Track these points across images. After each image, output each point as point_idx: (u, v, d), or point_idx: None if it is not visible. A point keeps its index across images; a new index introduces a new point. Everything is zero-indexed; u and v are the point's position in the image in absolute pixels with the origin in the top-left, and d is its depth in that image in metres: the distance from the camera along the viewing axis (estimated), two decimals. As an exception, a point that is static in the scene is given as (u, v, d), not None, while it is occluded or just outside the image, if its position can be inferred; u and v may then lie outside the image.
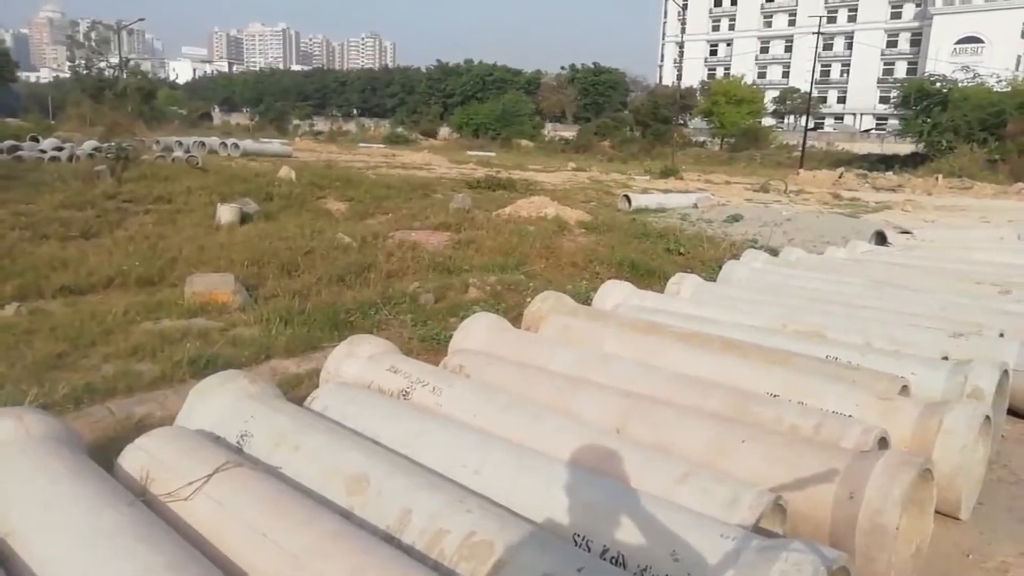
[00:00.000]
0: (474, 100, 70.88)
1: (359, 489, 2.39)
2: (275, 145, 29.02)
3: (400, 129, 57.78)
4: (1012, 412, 4.22)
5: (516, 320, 4.97)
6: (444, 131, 61.46)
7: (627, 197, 15.51)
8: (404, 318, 5.52)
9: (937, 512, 2.93)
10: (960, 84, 37.73)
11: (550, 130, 63.05)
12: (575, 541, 2.28)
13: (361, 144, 44.38)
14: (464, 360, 3.77)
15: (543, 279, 7.15)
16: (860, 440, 2.93)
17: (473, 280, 6.62)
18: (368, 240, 8.15)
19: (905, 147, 41.93)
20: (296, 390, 3.87)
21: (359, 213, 11.07)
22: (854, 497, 2.53)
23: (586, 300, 5.80)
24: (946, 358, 4.13)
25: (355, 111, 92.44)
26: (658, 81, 78.46)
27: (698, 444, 2.94)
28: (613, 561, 2.19)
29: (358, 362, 3.55)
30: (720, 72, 75.53)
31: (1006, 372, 3.93)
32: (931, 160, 34.38)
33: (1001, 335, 4.68)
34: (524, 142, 50.93)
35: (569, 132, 59.27)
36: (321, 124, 66.89)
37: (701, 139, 56.45)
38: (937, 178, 28.82)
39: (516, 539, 2.10)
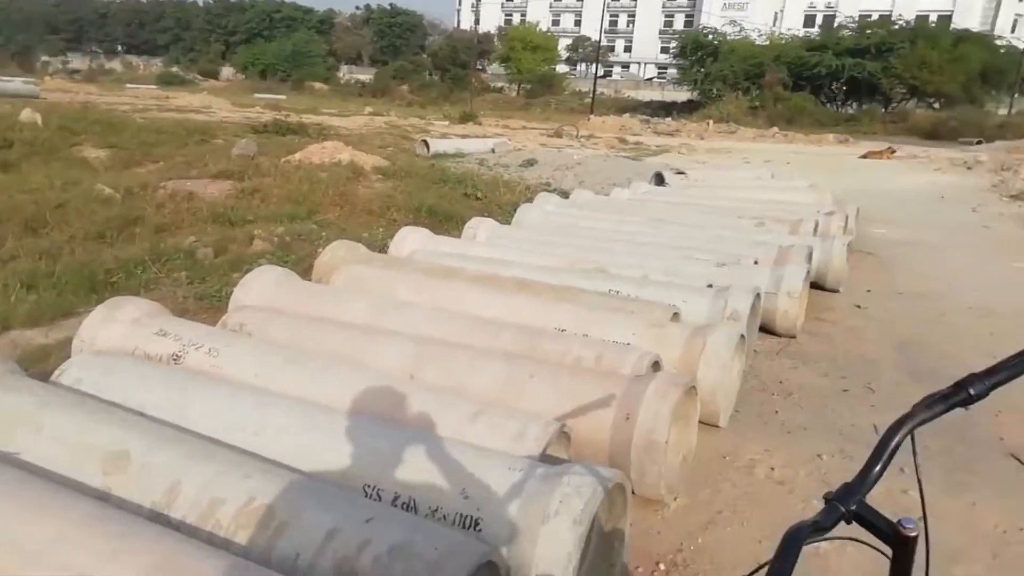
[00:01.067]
0: (260, 39, 65.82)
1: (118, 467, 2.14)
2: (16, 84, 25.04)
3: (175, 69, 52.34)
4: (763, 329, 4.77)
5: (307, 273, 4.74)
6: (227, 72, 56.65)
7: (425, 142, 15.35)
8: (178, 276, 5.04)
9: (700, 423, 3.25)
10: (729, 38, 41.46)
11: (345, 73, 60.48)
12: (365, 492, 2.22)
13: (128, 85, 39.59)
14: (245, 317, 3.51)
15: (337, 228, 6.87)
16: (636, 366, 3.14)
17: (258, 232, 6.19)
18: (134, 192, 7.27)
19: (683, 94, 45.55)
20: (43, 364, 3.39)
21: (123, 162, 9.82)
22: (629, 418, 2.71)
23: (383, 248, 5.67)
24: (711, 286, 4.55)
25: (120, 48, 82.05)
26: (456, 25, 77.84)
27: (490, 383, 2.99)
28: (404, 507, 2.17)
29: (119, 327, 3.17)
30: (516, 19, 76.43)
31: (758, 295, 4.42)
32: (704, 107, 37.66)
33: (756, 263, 5.26)
34: (317, 85, 48.48)
35: (366, 75, 57.20)
36: (78, 62, 58.72)
37: (499, 85, 57.14)
38: (708, 123, 31.67)
39: (299, 499, 2.00)
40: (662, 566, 2.49)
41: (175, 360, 3.01)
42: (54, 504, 1.88)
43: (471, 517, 2.08)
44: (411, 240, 5.31)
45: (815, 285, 5.83)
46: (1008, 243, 8.75)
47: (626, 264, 4.98)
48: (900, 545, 1.02)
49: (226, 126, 16.31)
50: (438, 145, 15.39)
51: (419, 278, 4.31)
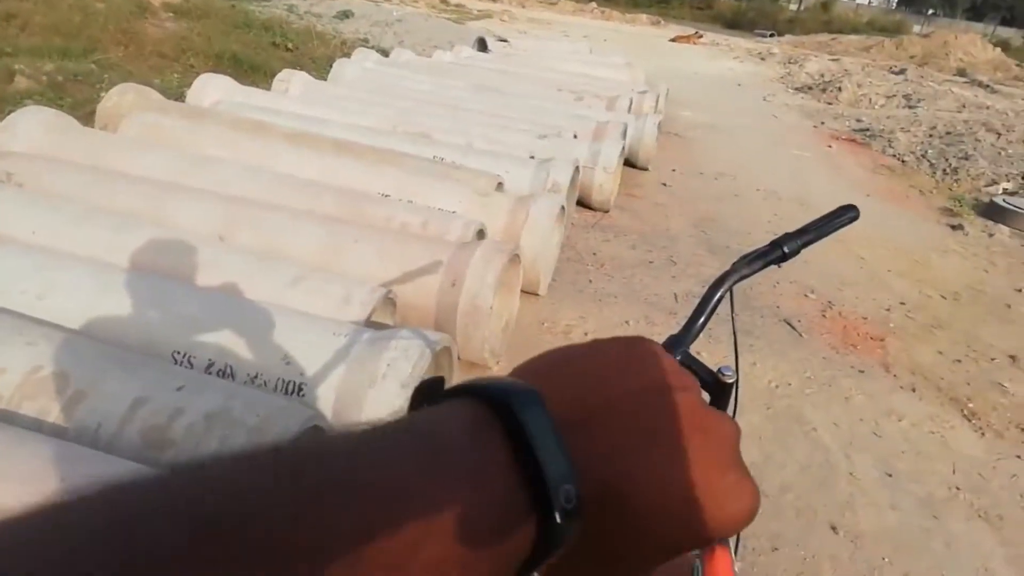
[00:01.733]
0: None
1: None
2: None
3: None
4: (579, 203, 4.95)
5: (88, 120, 4.11)
6: None
7: (225, -20, 13.57)
8: (-85, 114, 4.16)
9: (522, 291, 3.36)
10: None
11: None
12: (174, 359, 2.06)
13: None
14: (14, 166, 3.00)
15: (122, 70, 5.99)
16: (462, 233, 3.13)
17: (20, 67, 5.22)
18: None
19: (505, -42, 43.95)
20: None
21: None
22: (455, 284, 2.72)
23: (178, 97, 5.04)
24: (533, 157, 4.59)
25: None
26: None
27: (311, 247, 2.84)
28: (220, 374, 2.04)
29: None
30: None
31: (577, 168, 4.54)
32: (526, -26, 36.72)
33: (575, 136, 5.36)
34: None
35: None
36: None
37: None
38: (530, -8, 31.02)
39: (97, 367, 1.81)
40: (482, 423, 2.61)
41: (-79, 213, 2.52)
42: None
43: (294, 383, 2.02)
44: (213, 89, 4.77)
45: (627, 163, 6.11)
46: (791, 132, 9.69)
47: (449, 130, 4.86)
48: (719, 391, 1.11)
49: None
50: (240, -16, 13.70)
51: (225, 131, 3.91)
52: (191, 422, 1.74)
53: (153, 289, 2.21)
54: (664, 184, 6.10)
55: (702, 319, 1.11)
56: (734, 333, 1.19)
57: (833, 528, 2.32)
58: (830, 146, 9.03)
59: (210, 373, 2.04)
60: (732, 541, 1.16)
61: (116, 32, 6.93)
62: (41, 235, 2.49)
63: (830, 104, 12.59)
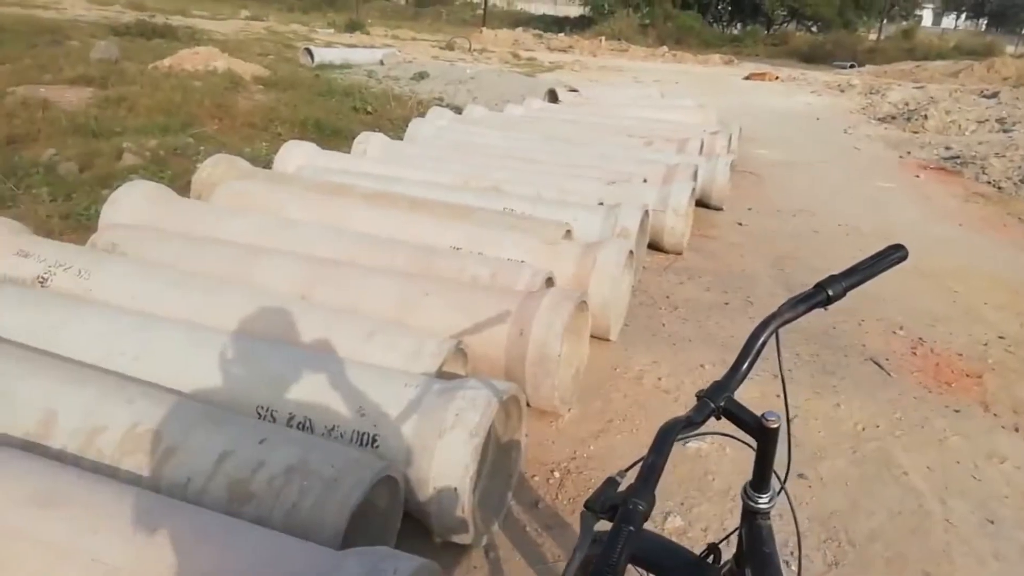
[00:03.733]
0: (117, -73, 58.82)
1: (-19, 398, 1.99)
2: None
3: (17, -42, 46.15)
4: (651, 246, 4.94)
5: (185, 190, 4.45)
6: (80, -36, 50.58)
7: (309, 51, 14.46)
8: (38, 192, 4.61)
9: (592, 336, 3.38)
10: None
11: (218, -28, 55.42)
12: (259, 414, 2.18)
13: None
14: (118, 236, 3.27)
15: (216, 142, 6.45)
16: (530, 282, 3.19)
17: (128, 144, 5.71)
18: (-23, 98, 6.53)
19: (575, 9, 44.87)
20: None
21: (-38, 64, 8.76)
22: (523, 333, 2.77)
23: (267, 164, 5.39)
24: (602, 203, 4.63)
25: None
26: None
27: (385, 302, 2.95)
28: (300, 427, 2.15)
29: (-29, 248, 2.88)
30: (402, -81, 71.88)
31: (647, 212, 4.55)
32: (595, 23, 37.36)
33: (644, 181, 5.39)
34: (187, -16, 44.20)
35: (241, -25, 52.69)
36: None
37: (387, -8, 54.19)
38: (601, 40, 31.52)
39: (187, 423, 1.94)
40: (556, 473, 2.61)
41: (41, 283, 2.78)
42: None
43: (368, 434, 2.10)
44: (297, 155, 5.06)
45: (701, 203, 6.07)
46: (875, 164, 9.38)
47: (520, 182, 4.97)
48: (763, 436, 1.11)
49: (81, 26, 14.71)
50: (323, 54, 14.56)
51: (307, 195, 4.14)
52: (272, 475, 1.83)
53: (239, 347, 2.36)
54: (740, 224, 6.01)
55: (746, 364, 1.12)
56: (781, 377, 1.18)
57: (928, 581, 2.18)
58: (917, 176, 8.68)
59: (291, 426, 2.15)
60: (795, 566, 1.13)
61: (211, 107, 7.49)
62: (140, 300, 2.70)
63: (916, 133, 12.13)
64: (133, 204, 3.59)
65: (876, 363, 3.65)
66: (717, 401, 1.08)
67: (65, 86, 7.59)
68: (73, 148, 5.55)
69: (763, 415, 1.09)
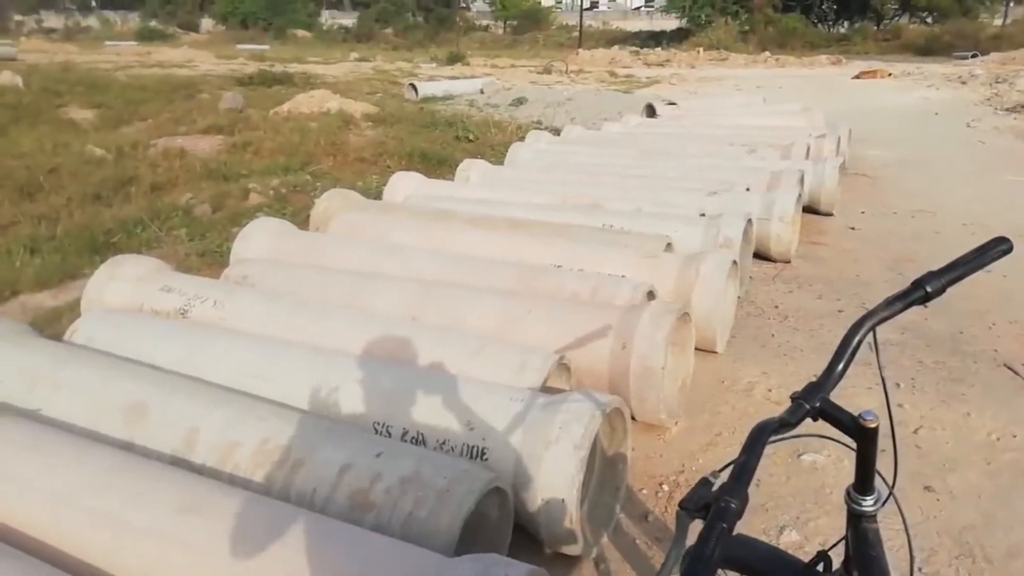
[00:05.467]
0: (237, -13, 63.72)
1: (137, 417, 2.24)
2: (-6, 48, 24.43)
3: (153, 23, 50.74)
4: (758, 255, 4.83)
5: (304, 224, 4.77)
6: (207, 23, 55.02)
7: (413, 86, 15.10)
8: (178, 233, 5.08)
9: (697, 349, 3.34)
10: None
11: (327, 18, 58.77)
12: (375, 429, 2.32)
13: (107, 43, 38.48)
14: (247, 269, 3.57)
15: (331, 178, 6.87)
16: (631, 296, 3.21)
17: (253, 185, 6.19)
18: (126, 151, 7.26)
19: (671, 23, 44.37)
20: (55, 325, 3.47)
21: (111, 121, 9.73)
22: (626, 347, 2.79)
23: (377, 195, 5.68)
24: (703, 215, 4.58)
25: (95, 3, 79.59)
26: (436, -38, 75.19)
27: (489, 320, 3.06)
28: (413, 441, 2.27)
29: (125, 285, 3.23)
30: (496, -48, 73.78)
31: (750, 221, 4.46)
32: (693, 34, 36.78)
33: (747, 189, 5.27)
34: (300, 32, 47.15)
35: (348, 19, 55.65)
36: (53, 20, 56.93)
37: (485, 23, 55.65)
38: (699, 51, 31.00)
39: (312, 438, 2.10)
40: (665, 487, 2.61)
41: (182, 314, 3.08)
42: (81, 454, 1.97)
43: (477, 447, 2.18)
44: (404, 185, 5.32)
45: (809, 209, 5.87)
46: (1003, 156, 8.73)
47: (619, 197, 5.00)
48: (862, 436, 1.10)
49: (210, 79, 16.04)
50: (426, 88, 15.16)
51: (414, 222, 4.35)
52: (388, 485, 1.95)
53: (356, 368, 2.51)
54: (852, 228, 5.75)
55: (841, 365, 1.12)
56: (881, 376, 1.17)
57: (1076, 601, 2.02)
58: (1055, 167, 8.00)
59: (405, 441, 2.27)
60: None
61: (326, 145, 7.99)
62: (267, 326, 2.93)
63: (1053, 120, 11.17)
64: (259, 239, 3.90)
65: (1011, 368, 3.40)
66: (812, 402, 1.08)
67: (199, 135, 8.32)
68: (206, 191, 6.09)
69: (860, 414, 1.08)
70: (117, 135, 8.53)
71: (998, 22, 34.88)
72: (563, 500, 2.03)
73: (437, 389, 2.37)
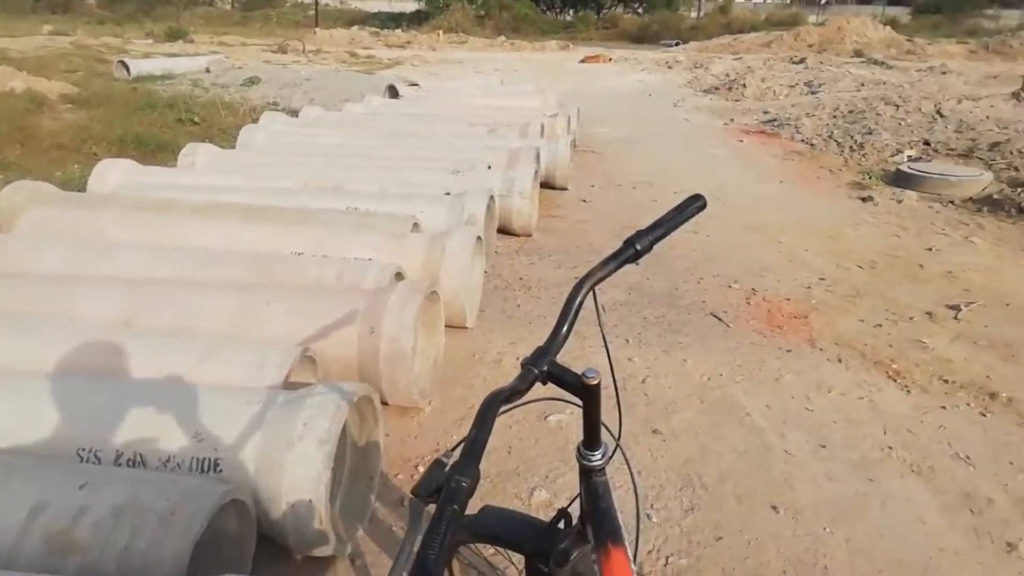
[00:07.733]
0: None
1: None
2: None
3: None
4: (502, 231, 4.99)
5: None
6: None
7: (124, 63, 13.43)
8: None
9: (448, 326, 3.35)
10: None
11: (11, -16, 50.17)
12: (80, 457, 1.98)
13: None
14: None
15: (19, 169, 5.84)
16: (378, 279, 3.11)
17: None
18: None
19: (410, 4, 44.50)
20: None
21: None
22: (374, 331, 2.70)
23: (83, 187, 4.93)
24: (448, 193, 4.61)
25: None
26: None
27: (222, 318, 2.78)
28: (130, 464, 1.97)
29: None
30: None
31: (493, 198, 4.58)
32: (432, 17, 37.25)
33: (489, 167, 5.41)
34: (-26, -1, 39.76)
35: (39, -13, 47.94)
36: None
37: (209, -2, 51.27)
38: (439, 34, 31.46)
39: (-9, 479, 1.73)
40: (420, 468, 2.57)
41: None
42: None
43: (208, 459, 1.96)
44: (113, 174, 4.67)
45: (546, 184, 6.20)
46: (703, 132, 9.98)
47: (363, 179, 4.85)
48: (586, 394, 1.13)
49: None
50: (141, 66, 13.56)
51: (127, 215, 3.83)
52: (97, 519, 1.67)
53: (54, 388, 2.13)
54: (584, 200, 6.20)
55: (565, 327, 1.13)
56: (603, 335, 1.20)
57: (774, 508, 2.34)
58: (741, 140, 9.33)
59: (119, 465, 1.97)
60: (630, 546, 1.16)
61: (11, 131, 6.76)
62: (-71, 351, 2.38)
63: (737, 101, 13.03)
64: (-87, 245, 3.17)
65: (716, 316, 3.88)
66: (540, 367, 1.09)
67: None
68: None
69: (583, 373, 1.11)
70: None
71: (694, 15, 39.95)
72: (310, 501, 1.90)
73: (156, 401, 2.09)
